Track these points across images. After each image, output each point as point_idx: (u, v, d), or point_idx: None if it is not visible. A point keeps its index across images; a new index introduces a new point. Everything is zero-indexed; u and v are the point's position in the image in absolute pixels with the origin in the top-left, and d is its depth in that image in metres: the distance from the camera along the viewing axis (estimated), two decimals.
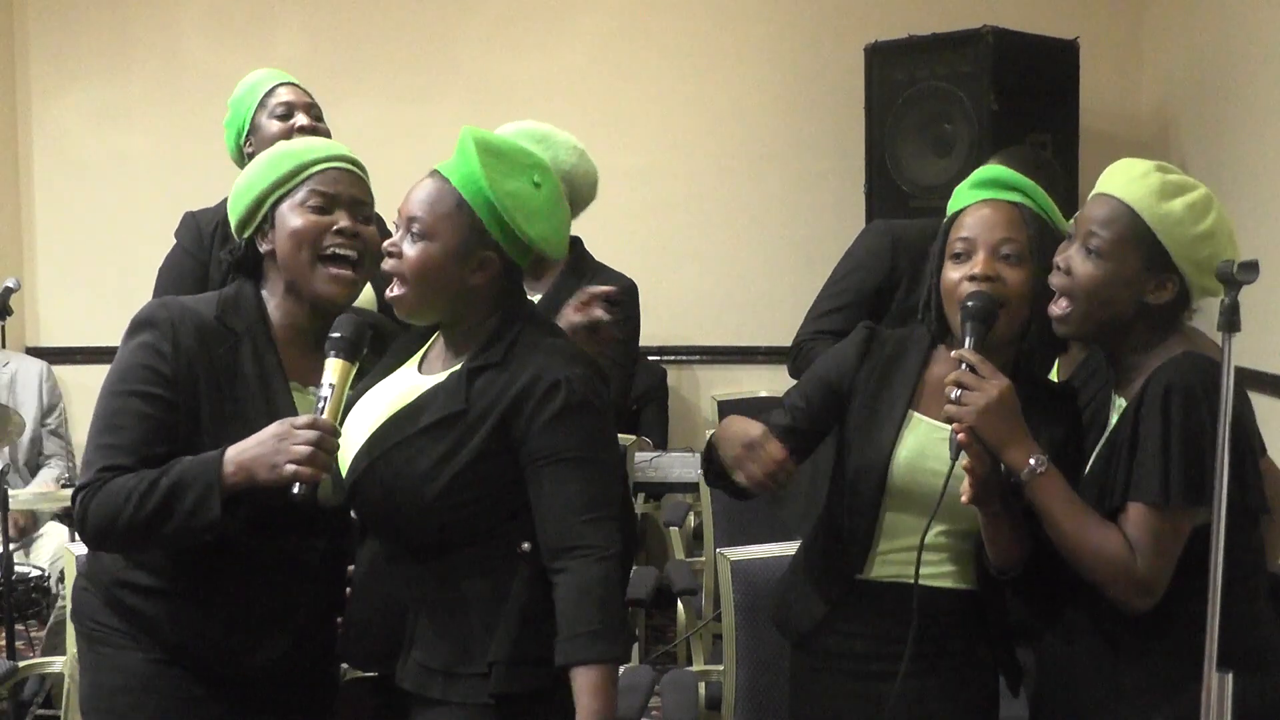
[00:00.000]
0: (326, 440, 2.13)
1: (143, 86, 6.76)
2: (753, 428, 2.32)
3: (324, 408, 2.18)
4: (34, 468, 5.08)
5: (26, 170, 6.84)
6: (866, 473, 2.38)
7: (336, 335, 2.23)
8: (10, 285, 5.19)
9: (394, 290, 2.21)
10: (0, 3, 6.68)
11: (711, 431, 5.00)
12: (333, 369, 2.21)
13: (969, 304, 2.25)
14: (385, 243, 2.22)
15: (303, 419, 2.14)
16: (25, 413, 5.01)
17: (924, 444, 2.36)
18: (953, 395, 2.19)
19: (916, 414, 2.39)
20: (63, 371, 5.87)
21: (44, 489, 4.93)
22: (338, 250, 2.29)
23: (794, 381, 2.91)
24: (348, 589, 2.40)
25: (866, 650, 2.41)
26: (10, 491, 4.23)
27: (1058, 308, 2.25)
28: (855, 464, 2.40)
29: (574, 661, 2.07)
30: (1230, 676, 1.89)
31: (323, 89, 3.36)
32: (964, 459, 2.17)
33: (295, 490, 2.11)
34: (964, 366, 2.20)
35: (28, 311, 6.77)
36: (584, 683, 2.05)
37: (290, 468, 2.10)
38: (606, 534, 2.14)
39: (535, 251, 2.25)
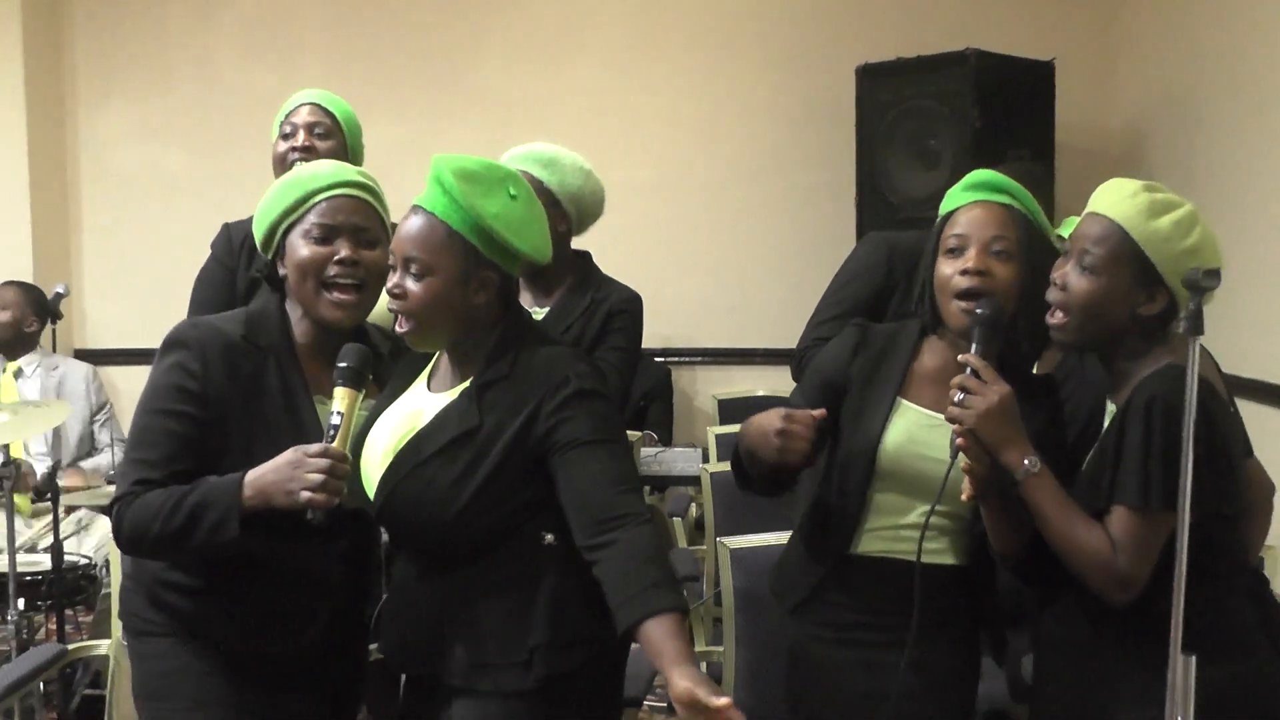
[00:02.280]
0: (337, 468, 2.12)
1: (180, 104, 6.79)
2: (770, 417, 2.27)
3: (334, 435, 2.16)
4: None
5: (74, 183, 6.86)
6: (857, 456, 2.38)
7: (343, 365, 2.21)
8: (60, 291, 5.22)
9: (404, 326, 2.18)
10: (49, 28, 6.70)
11: (714, 429, 5.03)
12: (340, 398, 2.20)
13: (979, 311, 2.26)
14: (389, 285, 2.18)
15: (315, 448, 2.13)
16: (74, 413, 5.02)
17: (912, 429, 2.37)
18: (956, 398, 2.19)
19: (905, 401, 2.39)
20: (108, 372, 5.88)
21: (95, 468, 4.94)
22: (339, 279, 2.27)
23: (793, 383, 2.92)
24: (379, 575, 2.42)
25: (855, 620, 2.42)
26: (61, 484, 4.25)
27: (1055, 319, 2.25)
28: (846, 448, 2.41)
29: (646, 614, 1.96)
30: (1194, 659, 1.90)
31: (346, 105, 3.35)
32: (963, 459, 2.19)
33: (309, 515, 2.11)
34: (969, 371, 2.21)
35: (75, 316, 6.78)
36: (662, 630, 1.95)
37: (305, 494, 2.09)
38: (640, 502, 2.12)
39: (525, 260, 2.22)
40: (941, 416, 2.35)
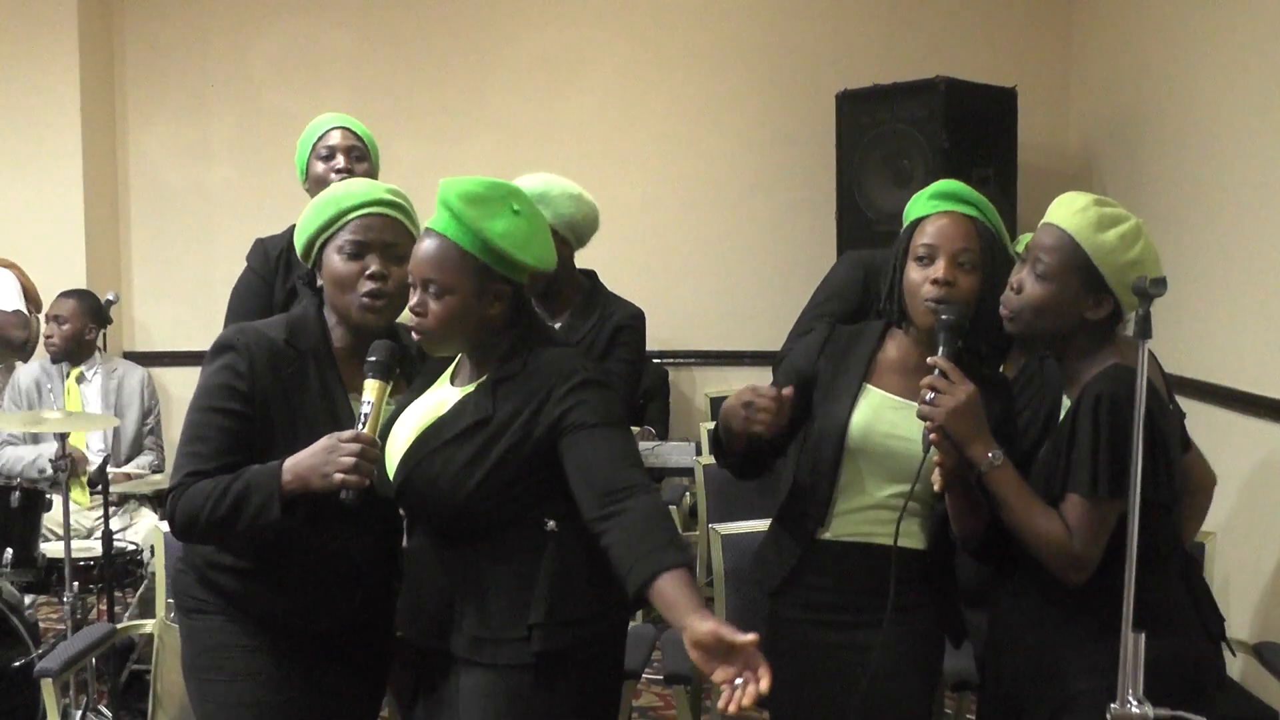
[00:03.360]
0: (368, 451, 2.12)
1: (222, 127, 6.79)
2: (740, 393, 2.25)
3: (365, 423, 2.17)
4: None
5: (124, 199, 6.86)
6: (827, 436, 2.38)
7: (372, 359, 2.22)
8: (111, 298, 5.21)
9: (420, 334, 2.18)
10: (102, 56, 6.70)
11: (707, 424, 5.02)
12: (370, 389, 2.20)
13: (945, 318, 2.26)
14: (411, 304, 2.17)
15: (348, 434, 2.13)
16: (129, 413, 5.03)
17: (877, 410, 2.37)
18: (927, 397, 2.19)
19: (870, 385, 2.39)
20: (155, 372, 5.87)
21: (137, 470, 4.96)
22: (369, 292, 2.27)
23: None
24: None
25: (829, 603, 2.41)
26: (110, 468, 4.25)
27: (1007, 310, 2.25)
28: (818, 430, 2.40)
29: (659, 569, 1.90)
30: (1143, 636, 1.90)
31: (371, 129, 3.35)
32: (935, 453, 2.19)
33: (343, 495, 2.11)
34: (936, 373, 2.20)
35: (125, 321, 6.79)
36: (676, 582, 1.88)
37: (339, 476, 2.10)
38: (644, 475, 2.09)
39: (532, 271, 2.21)
40: (904, 400, 2.35)
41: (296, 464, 2.14)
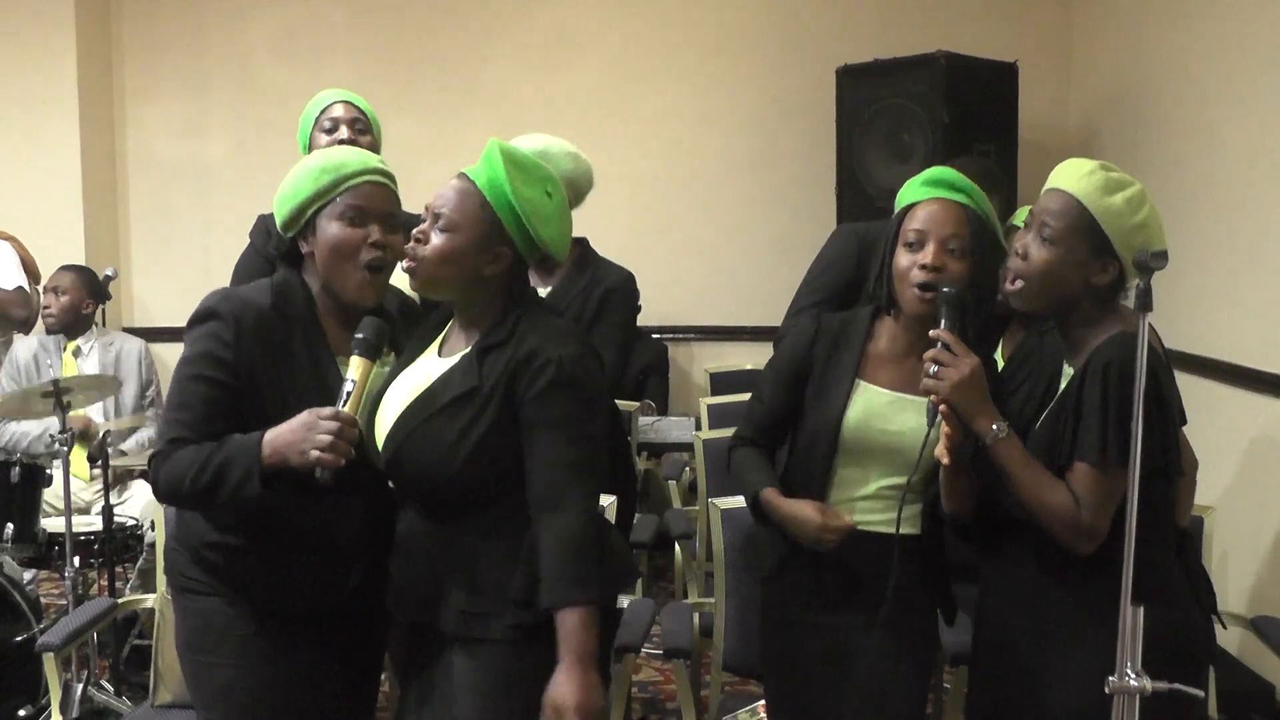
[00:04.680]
0: (346, 431, 2.10)
1: (220, 103, 6.76)
2: (811, 515, 2.33)
3: (346, 401, 2.15)
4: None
5: (122, 175, 6.84)
6: (821, 434, 2.37)
7: (360, 336, 2.20)
8: (110, 274, 5.20)
9: (411, 267, 2.17)
10: (99, 33, 6.67)
11: (706, 399, 5.03)
12: (355, 366, 2.18)
13: (946, 291, 2.25)
14: (414, 230, 2.18)
15: (327, 411, 2.11)
16: (128, 385, 5.02)
17: (871, 406, 2.36)
18: (931, 370, 2.17)
19: (862, 381, 2.38)
20: (153, 348, 5.87)
21: (137, 447, 4.96)
22: (371, 261, 2.25)
23: None
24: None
25: (820, 588, 2.41)
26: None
27: (1014, 286, 2.23)
28: (811, 427, 2.40)
29: (556, 605, 2.03)
30: (1142, 609, 1.90)
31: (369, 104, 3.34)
32: (945, 426, 2.17)
33: (317, 474, 2.10)
34: (940, 345, 2.19)
35: (124, 296, 6.77)
36: (568, 624, 2.02)
37: (314, 454, 2.08)
38: (585, 492, 2.10)
39: (543, 251, 2.22)
40: (897, 394, 2.34)
41: (276, 438, 2.13)
